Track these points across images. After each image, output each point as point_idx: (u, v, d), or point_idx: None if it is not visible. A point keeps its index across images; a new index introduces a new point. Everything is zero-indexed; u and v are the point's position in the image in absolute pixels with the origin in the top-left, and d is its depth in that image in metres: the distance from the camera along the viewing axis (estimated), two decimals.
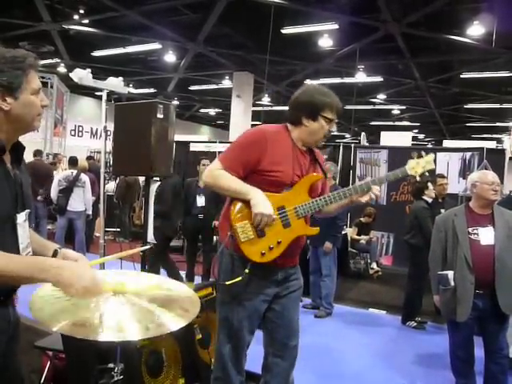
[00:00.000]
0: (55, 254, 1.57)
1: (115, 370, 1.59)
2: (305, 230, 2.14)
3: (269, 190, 2.04)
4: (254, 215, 1.97)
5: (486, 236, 2.96)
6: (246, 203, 2.02)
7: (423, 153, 2.24)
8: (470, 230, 3.00)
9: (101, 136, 4.44)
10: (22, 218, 1.43)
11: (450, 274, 3.00)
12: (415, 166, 2.21)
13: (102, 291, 1.32)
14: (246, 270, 2.01)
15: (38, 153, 8.24)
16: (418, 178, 2.22)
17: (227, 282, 2.03)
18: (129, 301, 1.40)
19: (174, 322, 1.35)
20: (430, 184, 5.09)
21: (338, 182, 5.98)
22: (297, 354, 2.25)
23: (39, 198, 7.17)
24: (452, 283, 2.99)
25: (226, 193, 2.11)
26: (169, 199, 5.25)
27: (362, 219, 7.49)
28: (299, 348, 2.27)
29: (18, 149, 1.47)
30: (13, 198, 1.40)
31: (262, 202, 1.98)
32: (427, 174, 2.22)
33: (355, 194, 2.14)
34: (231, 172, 2.06)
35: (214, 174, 2.09)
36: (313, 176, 2.15)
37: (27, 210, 1.48)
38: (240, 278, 2.01)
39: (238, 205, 2.05)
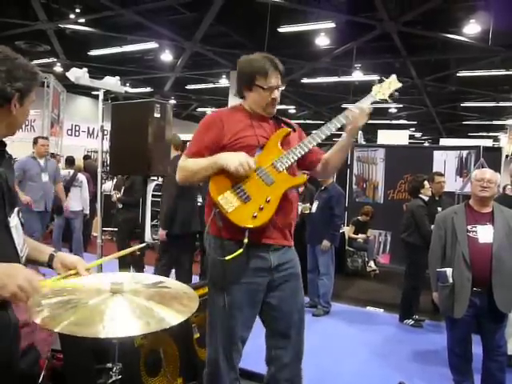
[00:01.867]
0: (51, 258, 1.55)
1: (113, 370, 1.58)
2: (291, 182, 2.08)
3: None
4: (234, 170, 1.94)
5: (484, 234, 2.97)
6: (221, 176, 2.00)
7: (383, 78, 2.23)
8: (468, 227, 3.02)
9: (98, 135, 4.44)
10: (13, 217, 1.41)
11: (449, 271, 3.02)
12: (380, 90, 2.20)
13: (40, 290, 1.27)
14: (245, 240, 1.93)
15: None
16: (388, 100, 2.19)
17: (227, 257, 1.94)
18: (127, 299, 1.41)
19: (173, 318, 1.35)
20: (426, 182, 5.10)
21: (335, 180, 5.99)
22: (301, 345, 2.18)
23: None
24: (450, 280, 3.00)
25: (198, 176, 2.08)
26: (139, 191, 5.26)
27: (359, 218, 7.49)
28: None
29: (1, 146, 1.46)
30: (0, 198, 1.38)
31: (231, 156, 1.97)
32: (397, 93, 2.20)
33: (329, 131, 2.14)
34: (197, 157, 2.07)
35: (181, 166, 2.11)
36: (279, 131, 2.14)
37: (16, 209, 1.45)
38: (241, 251, 1.93)
39: (215, 180, 2.02)
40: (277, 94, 2.14)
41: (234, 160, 1.95)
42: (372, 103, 2.20)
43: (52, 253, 1.56)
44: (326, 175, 2.32)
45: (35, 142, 5.85)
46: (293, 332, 2.14)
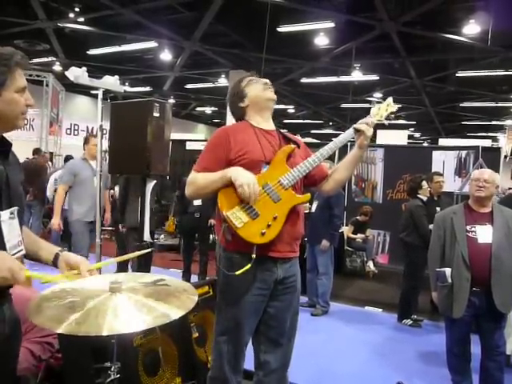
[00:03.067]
0: (57, 257, 1.54)
1: (112, 369, 1.58)
2: (296, 200, 2.10)
3: None
4: (239, 187, 1.94)
5: (483, 234, 2.97)
6: (230, 190, 2.01)
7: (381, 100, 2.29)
8: (467, 227, 3.02)
9: (96, 135, 4.43)
10: (5, 215, 1.39)
11: (448, 271, 3.02)
12: (378, 112, 2.24)
13: (24, 280, 1.27)
14: (253, 255, 1.97)
15: (36, 151, 8.21)
16: (385, 122, 2.23)
17: (237, 272, 1.98)
18: (126, 297, 1.41)
19: (173, 312, 1.36)
20: (424, 183, 5.10)
21: None
22: (290, 354, 2.23)
23: (28, 196, 7.13)
24: (449, 280, 3.00)
25: (207, 190, 2.09)
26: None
27: (358, 218, 7.50)
28: (295, 345, 2.26)
29: (3, 144, 1.44)
30: None
31: (241, 173, 1.98)
32: (392, 116, 2.26)
33: (335, 147, 2.18)
34: (207, 172, 2.09)
35: (190, 180, 2.13)
36: (285, 148, 2.16)
37: (14, 208, 1.43)
38: (249, 266, 1.97)
39: (224, 193, 2.04)
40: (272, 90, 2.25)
41: (243, 177, 1.96)
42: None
43: (58, 252, 1.55)
44: (331, 191, 2.35)
45: (86, 141, 5.11)
46: (284, 339, 2.19)
